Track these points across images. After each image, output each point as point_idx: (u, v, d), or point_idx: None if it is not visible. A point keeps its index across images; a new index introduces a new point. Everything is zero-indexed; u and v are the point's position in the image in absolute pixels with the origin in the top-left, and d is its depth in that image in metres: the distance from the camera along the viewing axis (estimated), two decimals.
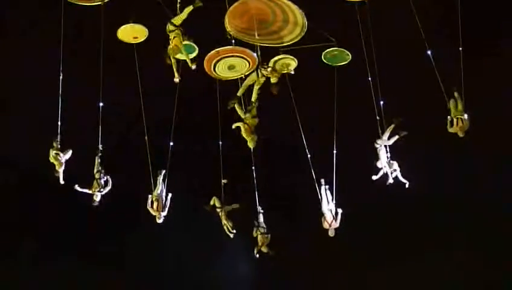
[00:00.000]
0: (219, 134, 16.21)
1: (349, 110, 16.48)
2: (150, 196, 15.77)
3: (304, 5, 13.51)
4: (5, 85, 18.71)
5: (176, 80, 13.21)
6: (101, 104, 15.22)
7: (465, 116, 13.71)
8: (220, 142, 16.47)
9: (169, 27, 13.13)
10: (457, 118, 13.73)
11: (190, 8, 12.85)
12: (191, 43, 14.26)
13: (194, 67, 13.00)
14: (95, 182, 15.25)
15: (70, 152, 14.74)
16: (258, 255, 16.43)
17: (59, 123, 14.58)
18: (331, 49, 15.49)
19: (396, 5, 14.57)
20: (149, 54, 15.17)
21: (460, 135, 13.80)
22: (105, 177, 15.27)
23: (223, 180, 16.47)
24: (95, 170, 15.25)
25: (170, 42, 13.09)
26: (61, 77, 14.55)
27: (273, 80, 13.64)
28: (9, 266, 20.16)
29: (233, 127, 14.08)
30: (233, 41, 13.93)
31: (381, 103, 15.23)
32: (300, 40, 14.14)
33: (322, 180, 15.85)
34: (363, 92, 15.75)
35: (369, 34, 14.87)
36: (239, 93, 14.18)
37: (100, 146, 15.33)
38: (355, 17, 14.83)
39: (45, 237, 20.34)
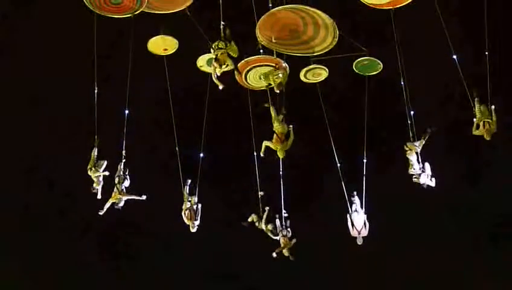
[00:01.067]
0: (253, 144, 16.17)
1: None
2: (183, 206, 16.00)
3: (333, 15, 13.55)
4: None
5: (221, 86, 13.09)
6: (126, 111, 15.38)
7: (494, 118, 13.59)
8: (255, 153, 16.18)
9: (219, 44, 12.92)
10: (483, 122, 13.63)
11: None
12: None
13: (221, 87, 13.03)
14: (115, 187, 15.50)
15: (105, 164, 14.95)
16: (275, 255, 16.39)
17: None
18: (362, 58, 15.55)
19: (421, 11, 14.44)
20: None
21: (487, 138, 13.67)
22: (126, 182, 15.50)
23: (260, 193, 16.54)
24: (116, 174, 15.46)
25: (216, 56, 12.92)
26: (96, 91, 14.80)
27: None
28: None
29: (262, 154, 13.97)
30: (261, 50, 13.98)
31: (412, 112, 15.21)
32: (332, 50, 14.20)
33: (354, 193, 15.99)
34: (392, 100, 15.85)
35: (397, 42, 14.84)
36: None
37: (123, 152, 15.54)
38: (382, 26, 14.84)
39: None
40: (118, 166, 15.47)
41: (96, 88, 14.80)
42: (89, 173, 14.99)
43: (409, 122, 15.06)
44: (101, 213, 15.07)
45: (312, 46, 13.86)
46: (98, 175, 14.87)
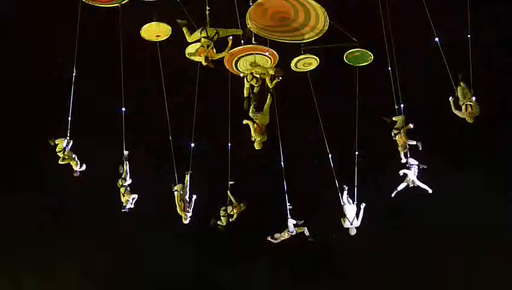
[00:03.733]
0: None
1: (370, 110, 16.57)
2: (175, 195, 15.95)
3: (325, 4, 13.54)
4: None
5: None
6: (123, 109, 15.45)
7: (473, 100, 13.52)
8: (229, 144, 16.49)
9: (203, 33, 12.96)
10: (465, 105, 13.55)
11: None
12: None
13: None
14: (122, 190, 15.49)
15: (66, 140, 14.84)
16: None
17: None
18: (354, 50, 15.55)
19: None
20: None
21: (470, 121, 13.58)
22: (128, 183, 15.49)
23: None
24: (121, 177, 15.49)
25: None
26: (74, 74, 14.70)
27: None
28: None
29: (244, 123, 13.58)
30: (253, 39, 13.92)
31: (402, 105, 15.25)
32: (323, 40, 14.18)
33: (345, 186, 16.06)
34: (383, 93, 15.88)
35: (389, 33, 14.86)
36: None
37: (125, 152, 15.53)
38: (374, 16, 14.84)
39: None
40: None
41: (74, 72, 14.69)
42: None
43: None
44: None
45: (302, 34, 13.89)
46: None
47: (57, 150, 14.84)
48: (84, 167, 15.17)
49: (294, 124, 18.16)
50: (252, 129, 13.24)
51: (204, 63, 12.91)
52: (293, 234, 16.54)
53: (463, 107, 13.59)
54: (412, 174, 15.15)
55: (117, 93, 15.48)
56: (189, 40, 13.42)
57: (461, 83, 13.68)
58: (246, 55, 13.91)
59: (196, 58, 13.47)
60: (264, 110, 13.31)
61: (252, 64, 13.77)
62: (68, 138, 14.83)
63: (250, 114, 13.30)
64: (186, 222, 15.94)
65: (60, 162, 14.92)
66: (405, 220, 20.26)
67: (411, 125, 14.88)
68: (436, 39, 14.09)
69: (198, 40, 13.09)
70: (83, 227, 20.14)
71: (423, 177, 15.27)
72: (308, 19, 13.57)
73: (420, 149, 14.88)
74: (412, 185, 15.31)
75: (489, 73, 17.33)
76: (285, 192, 16.59)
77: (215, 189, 17.18)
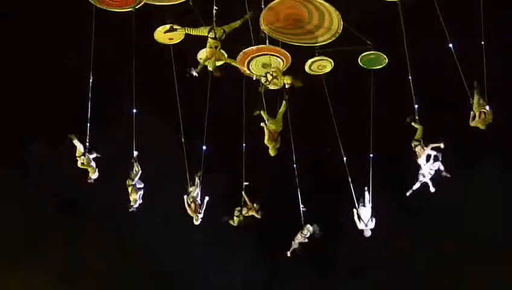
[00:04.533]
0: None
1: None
2: (185, 197, 15.95)
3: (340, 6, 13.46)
4: None
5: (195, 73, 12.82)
6: (134, 110, 15.42)
7: (487, 108, 13.55)
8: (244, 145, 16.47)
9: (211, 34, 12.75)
10: (479, 112, 13.59)
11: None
12: None
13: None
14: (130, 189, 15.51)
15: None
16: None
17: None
18: (368, 52, 15.43)
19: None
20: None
21: (482, 127, 13.63)
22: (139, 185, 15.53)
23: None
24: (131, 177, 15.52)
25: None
26: (91, 80, 14.76)
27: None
28: None
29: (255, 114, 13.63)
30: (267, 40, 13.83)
31: (416, 106, 15.05)
32: (337, 42, 14.10)
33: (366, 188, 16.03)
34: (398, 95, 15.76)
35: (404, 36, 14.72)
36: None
37: (135, 153, 15.54)
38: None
39: None
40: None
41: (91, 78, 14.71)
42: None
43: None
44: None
45: (316, 37, 13.81)
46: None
47: (76, 154, 14.93)
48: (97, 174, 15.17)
49: (308, 126, 18.04)
50: (266, 135, 13.20)
51: (214, 72, 12.83)
52: (307, 236, 16.53)
53: (477, 114, 13.62)
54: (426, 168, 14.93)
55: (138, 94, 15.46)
56: (192, 33, 13.20)
57: (476, 91, 13.66)
58: (259, 56, 13.89)
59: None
60: (278, 118, 13.26)
61: (265, 65, 13.72)
62: (88, 143, 14.91)
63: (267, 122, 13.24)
64: (197, 223, 15.97)
65: (79, 165, 14.99)
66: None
67: (442, 145, 14.64)
68: (450, 45, 14.04)
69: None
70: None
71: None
72: (322, 22, 13.51)
73: (442, 147, 14.61)
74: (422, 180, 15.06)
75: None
76: (298, 194, 16.54)
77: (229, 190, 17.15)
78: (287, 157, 16.46)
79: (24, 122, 19.15)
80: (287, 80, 13.13)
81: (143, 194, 15.66)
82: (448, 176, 14.87)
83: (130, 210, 15.68)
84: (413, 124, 14.81)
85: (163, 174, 18.37)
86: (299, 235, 16.69)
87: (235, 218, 16.51)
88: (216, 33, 12.66)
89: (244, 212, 16.39)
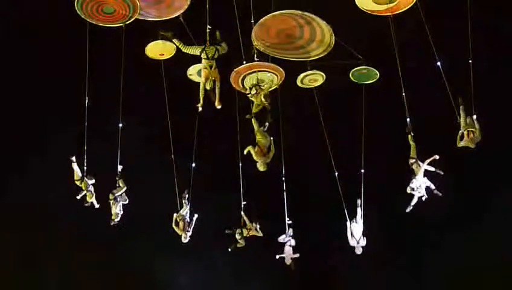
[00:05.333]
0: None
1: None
2: (174, 215, 15.82)
3: (332, 21, 13.42)
4: None
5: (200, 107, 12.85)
6: (120, 124, 15.28)
7: (477, 126, 13.41)
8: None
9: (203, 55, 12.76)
10: (467, 131, 13.46)
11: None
12: None
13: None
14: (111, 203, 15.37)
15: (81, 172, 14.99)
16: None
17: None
18: (360, 67, 15.41)
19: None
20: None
21: (471, 146, 13.45)
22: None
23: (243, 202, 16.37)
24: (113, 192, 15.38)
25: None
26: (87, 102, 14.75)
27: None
28: None
29: (245, 152, 13.49)
30: (255, 56, 13.71)
31: (408, 120, 14.95)
32: (329, 57, 14.05)
33: (358, 201, 15.96)
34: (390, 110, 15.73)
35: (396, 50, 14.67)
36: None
37: (120, 167, 15.40)
38: (382, 33, 14.66)
39: None
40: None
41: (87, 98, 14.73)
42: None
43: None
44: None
45: (308, 51, 13.78)
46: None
47: (74, 178, 14.96)
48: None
49: (300, 140, 17.96)
50: (252, 153, 13.11)
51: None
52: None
53: (465, 134, 13.48)
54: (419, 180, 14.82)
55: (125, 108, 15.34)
56: (184, 50, 13.28)
57: (461, 108, 13.58)
58: (250, 73, 13.81)
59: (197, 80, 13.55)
60: (262, 134, 13.24)
61: (260, 82, 13.66)
62: (85, 168, 14.96)
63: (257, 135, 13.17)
64: (185, 241, 15.85)
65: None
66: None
67: (436, 157, 14.37)
68: (438, 63, 14.00)
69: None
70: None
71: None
72: (314, 36, 13.49)
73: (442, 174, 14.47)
74: (420, 194, 14.90)
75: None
76: (284, 207, 16.40)
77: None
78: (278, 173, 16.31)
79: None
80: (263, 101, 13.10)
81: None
82: (440, 194, 14.73)
83: (112, 224, 15.50)
84: (409, 138, 14.69)
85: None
86: (286, 248, 16.50)
87: (239, 241, 16.23)
88: (208, 53, 12.62)
89: (245, 233, 16.15)
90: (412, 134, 14.46)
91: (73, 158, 14.94)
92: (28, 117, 18.59)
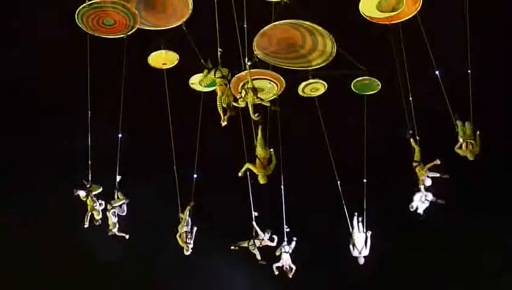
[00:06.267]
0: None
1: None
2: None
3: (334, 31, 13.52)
4: None
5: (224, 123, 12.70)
6: (119, 135, 15.26)
7: (477, 140, 13.63)
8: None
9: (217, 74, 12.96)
10: (466, 142, 13.70)
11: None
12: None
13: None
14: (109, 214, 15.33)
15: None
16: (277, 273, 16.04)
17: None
18: (362, 78, 15.47)
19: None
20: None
21: (470, 158, 13.66)
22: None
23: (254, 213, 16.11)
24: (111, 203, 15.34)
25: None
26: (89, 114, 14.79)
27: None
28: None
29: (240, 174, 13.50)
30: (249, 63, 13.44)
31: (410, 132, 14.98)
32: (331, 67, 14.14)
33: (355, 214, 15.90)
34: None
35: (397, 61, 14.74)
36: None
37: (118, 177, 15.38)
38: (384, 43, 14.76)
39: None
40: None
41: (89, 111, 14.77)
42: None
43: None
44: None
45: (310, 60, 13.87)
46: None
47: (81, 197, 14.87)
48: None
49: (300, 151, 17.97)
50: (251, 168, 13.12)
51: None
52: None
53: (463, 145, 13.69)
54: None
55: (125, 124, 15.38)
56: (203, 82, 13.61)
57: (458, 122, 13.78)
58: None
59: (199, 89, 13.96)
60: (258, 143, 13.13)
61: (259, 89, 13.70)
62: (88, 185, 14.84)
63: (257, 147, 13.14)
64: (187, 253, 15.74)
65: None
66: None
67: (438, 161, 14.43)
68: (437, 72, 14.12)
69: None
70: None
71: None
72: (316, 46, 13.59)
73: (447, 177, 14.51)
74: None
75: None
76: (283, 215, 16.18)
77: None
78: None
79: None
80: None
81: None
82: (443, 202, 14.76)
83: (109, 234, 15.33)
84: (412, 142, 14.74)
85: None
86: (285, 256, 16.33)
87: (257, 253, 15.98)
88: (222, 72, 12.86)
89: (257, 244, 16.05)
90: (417, 138, 14.60)
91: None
92: None
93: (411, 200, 14.74)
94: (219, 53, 12.95)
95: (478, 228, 18.95)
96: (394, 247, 18.90)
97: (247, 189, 15.29)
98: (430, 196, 14.62)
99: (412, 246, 19.59)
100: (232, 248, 16.16)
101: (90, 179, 14.88)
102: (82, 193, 14.78)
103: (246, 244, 15.93)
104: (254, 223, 15.82)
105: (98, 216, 14.88)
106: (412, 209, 14.74)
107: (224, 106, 12.56)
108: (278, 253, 15.93)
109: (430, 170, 14.42)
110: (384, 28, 14.10)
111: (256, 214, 15.83)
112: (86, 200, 14.81)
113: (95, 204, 14.80)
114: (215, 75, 12.93)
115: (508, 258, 19.24)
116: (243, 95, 12.55)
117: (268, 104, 12.88)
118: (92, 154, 14.88)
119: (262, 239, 15.74)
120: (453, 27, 14.82)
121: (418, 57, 14.55)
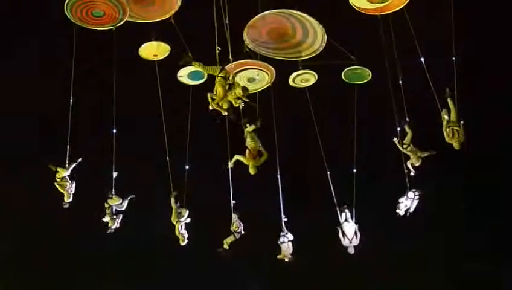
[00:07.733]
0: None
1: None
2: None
3: (324, 21, 13.54)
4: None
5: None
6: (114, 130, 15.23)
7: (461, 126, 13.13)
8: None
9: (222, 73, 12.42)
10: (452, 129, 13.19)
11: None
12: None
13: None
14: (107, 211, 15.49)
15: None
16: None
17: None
18: (353, 67, 15.49)
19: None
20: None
21: (457, 147, 13.13)
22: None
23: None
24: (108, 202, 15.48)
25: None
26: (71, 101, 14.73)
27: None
28: None
29: (231, 165, 13.67)
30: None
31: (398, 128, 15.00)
32: (321, 57, 14.17)
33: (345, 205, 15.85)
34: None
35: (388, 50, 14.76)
36: None
37: (114, 173, 15.38)
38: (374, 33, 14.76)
39: None
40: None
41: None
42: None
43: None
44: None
45: (300, 51, 13.90)
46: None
47: (56, 176, 14.86)
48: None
49: (293, 140, 18.00)
50: (241, 159, 13.02)
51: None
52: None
53: (449, 132, 13.19)
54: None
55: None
56: (204, 71, 13.30)
57: (449, 100, 13.31)
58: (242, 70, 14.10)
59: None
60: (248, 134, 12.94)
61: (250, 80, 13.73)
62: (67, 165, 14.83)
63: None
64: (183, 244, 15.78)
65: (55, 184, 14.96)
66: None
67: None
68: (422, 59, 13.97)
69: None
70: None
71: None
72: (306, 36, 13.61)
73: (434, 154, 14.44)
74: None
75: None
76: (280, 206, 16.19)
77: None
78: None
79: None
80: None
81: None
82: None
83: (108, 232, 15.53)
84: (405, 127, 14.69)
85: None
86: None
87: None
88: (226, 74, 12.39)
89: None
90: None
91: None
92: None
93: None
94: (217, 52, 12.78)
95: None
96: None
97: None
98: (411, 193, 14.92)
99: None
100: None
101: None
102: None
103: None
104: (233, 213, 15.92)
105: (67, 199, 14.95)
106: (402, 213, 15.07)
107: (225, 107, 12.29)
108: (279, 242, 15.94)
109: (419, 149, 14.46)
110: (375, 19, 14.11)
111: (234, 202, 15.88)
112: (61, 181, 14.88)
113: (67, 187, 14.85)
114: (219, 74, 12.45)
115: None
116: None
117: (255, 105, 12.87)
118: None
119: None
120: (439, 17, 14.83)
121: (406, 47, 14.62)
